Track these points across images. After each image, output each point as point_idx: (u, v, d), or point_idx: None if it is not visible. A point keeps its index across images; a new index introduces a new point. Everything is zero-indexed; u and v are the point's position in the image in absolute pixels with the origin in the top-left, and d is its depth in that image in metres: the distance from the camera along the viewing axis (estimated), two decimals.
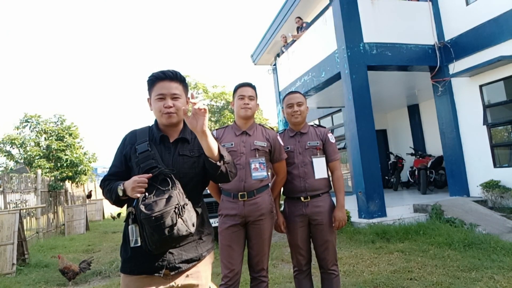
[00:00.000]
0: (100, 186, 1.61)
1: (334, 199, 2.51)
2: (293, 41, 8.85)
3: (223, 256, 2.29)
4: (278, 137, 2.46)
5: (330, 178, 2.56)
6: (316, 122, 10.93)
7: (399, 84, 8.18)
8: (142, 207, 1.34)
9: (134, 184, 1.38)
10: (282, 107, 2.66)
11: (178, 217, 1.38)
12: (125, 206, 1.59)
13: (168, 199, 1.38)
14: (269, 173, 2.43)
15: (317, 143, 2.48)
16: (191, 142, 1.65)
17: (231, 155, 2.26)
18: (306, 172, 2.43)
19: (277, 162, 2.44)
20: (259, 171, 2.30)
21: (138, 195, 1.38)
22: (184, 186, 1.48)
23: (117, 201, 1.49)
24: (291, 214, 2.47)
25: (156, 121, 1.65)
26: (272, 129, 2.55)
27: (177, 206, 1.38)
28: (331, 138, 2.55)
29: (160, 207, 1.34)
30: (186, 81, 1.68)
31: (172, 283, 1.50)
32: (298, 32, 8.96)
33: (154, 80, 1.58)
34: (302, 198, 2.42)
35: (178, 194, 1.42)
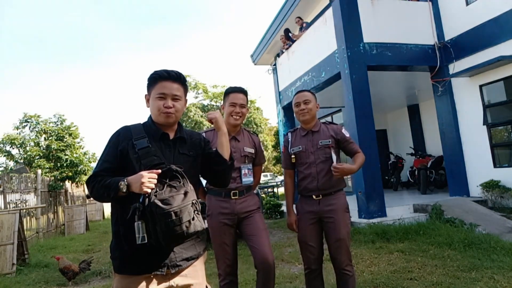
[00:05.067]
0: (88, 182, 1.49)
1: (348, 197, 2.50)
2: (293, 41, 8.86)
3: (220, 253, 2.31)
4: (260, 143, 2.58)
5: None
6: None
7: (399, 84, 8.19)
8: (158, 202, 1.31)
9: (144, 179, 1.34)
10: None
11: (195, 213, 1.39)
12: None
13: (185, 194, 1.38)
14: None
15: (329, 141, 2.46)
16: (188, 141, 1.66)
17: None
18: (319, 171, 2.42)
19: (257, 166, 2.55)
20: (247, 176, 2.41)
21: (149, 190, 1.34)
22: None
23: (114, 198, 1.42)
24: (302, 211, 2.49)
25: (151, 118, 1.63)
26: (256, 134, 2.64)
27: (193, 201, 1.40)
28: (346, 132, 2.53)
29: (178, 202, 1.34)
30: (187, 83, 1.70)
31: (172, 283, 1.49)
32: (287, 36, 9.00)
33: (157, 78, 1.58)
34: (314, 196, 2.42)
35: (191, 190, 1.43)
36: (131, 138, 1.52)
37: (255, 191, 2.61)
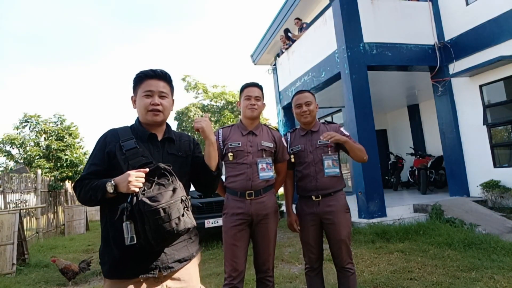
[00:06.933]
0: (75, 186, 1.47)
1: (348, 197, 2.47)
2: (293, 41, 8.86)
3: (228, 255, 2.28)
4: (283, 139, 2.53)
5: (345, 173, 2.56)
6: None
7: (399, 84, 8.19)
8: (146, 200, 1.29)
9: (131, 178, 1.32)
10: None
11: (185, 209, 1.36)
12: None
13: (174, 191, 1.36)
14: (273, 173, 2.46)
15: (328, 141, 2.45)
16: (177, 142, 1.64)
17: (238, 154, 2.32)
18: (318, 171, 2.42)
19: (280, 163, 2.50)
20: (266, 171, 2.35)
21: (137, 189, 1.32)
22: None
23: (102, 200, 1.40)
24: (302, 212, 2.49)
25: (138, 120, 1.61)
26: (277, 129, 2.60)
27: (183, 198, 1.37)
28: (345, 131, 2.53)
29: (166, 199, 1.31)
30: (173, 83, 1.67)
31: (164, 286, 1.47)
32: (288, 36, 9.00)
33: (143, 77, 1.56)
34: (313, 197, 2.42)
35: (180, 187, 1.41)
36: (118, 140, 1.50)
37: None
